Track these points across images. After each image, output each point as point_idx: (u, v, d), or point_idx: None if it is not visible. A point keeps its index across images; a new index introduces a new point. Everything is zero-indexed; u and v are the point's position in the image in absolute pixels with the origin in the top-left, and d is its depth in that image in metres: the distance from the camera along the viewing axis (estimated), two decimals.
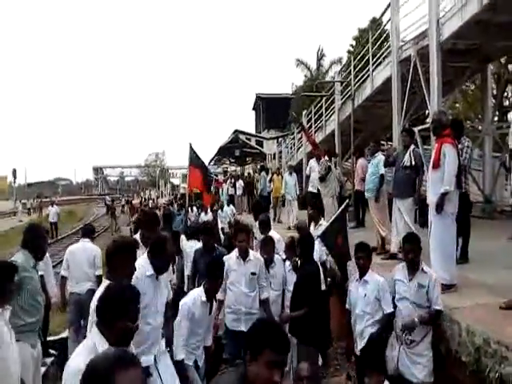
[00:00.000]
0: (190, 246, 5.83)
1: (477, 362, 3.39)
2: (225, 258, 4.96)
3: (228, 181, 18.41)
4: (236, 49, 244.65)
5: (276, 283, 5.09)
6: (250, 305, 4.69)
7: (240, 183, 17.15)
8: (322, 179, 8.43)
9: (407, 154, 5.97)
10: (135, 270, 3.15)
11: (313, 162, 9.93)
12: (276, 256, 5.24)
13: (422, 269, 3.84)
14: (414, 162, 5.91)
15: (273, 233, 7.20)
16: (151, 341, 3.43)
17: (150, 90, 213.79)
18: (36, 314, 3.86)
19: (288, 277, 5.11)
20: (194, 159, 8.17)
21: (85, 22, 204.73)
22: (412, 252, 3.83)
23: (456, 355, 3.63)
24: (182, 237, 6.28)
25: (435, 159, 4.67)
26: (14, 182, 45.95)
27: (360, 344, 4.11)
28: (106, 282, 2.87)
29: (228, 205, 13.39)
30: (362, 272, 4.25)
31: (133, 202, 31.28)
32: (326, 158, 8.84)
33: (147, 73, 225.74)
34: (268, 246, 5.12)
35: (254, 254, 4.91)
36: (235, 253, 4.80)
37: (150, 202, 32.62)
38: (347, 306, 4.40)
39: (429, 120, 5.16)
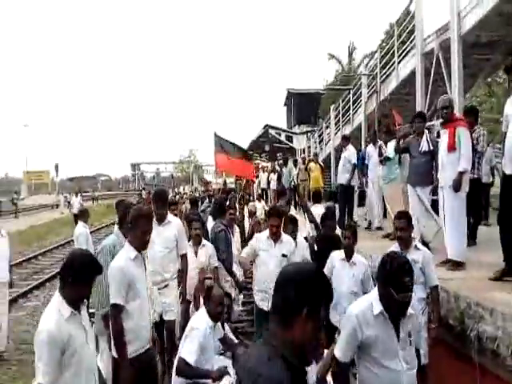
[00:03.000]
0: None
1: (461, 323, 3.71)
2: (256, 235, 5.23)
3: (261, 174, 17.95)
4: (268, 45, 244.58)
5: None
6: None
7: (274, 177, 16.59)
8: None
9: (423, 139, 5.85)
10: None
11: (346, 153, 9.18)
12: (299, 237, 5.34)
13: (416, 246, 3.90)
14: (431, 148, 5.81)
15: (317, 207, 7.42)
16: None
17: (184, 89, 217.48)
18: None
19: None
20: (223, 144, 8.33)
21: (124, 21, 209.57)
22: (403, 229, 3.88)
23: (445, 320, 3.93)
24: (209, 217, 6.76)
25: (450, 142, 4.85)
26: (57, 176, 48.32)
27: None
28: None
29: (259, 200, 12.75)
30: (349, 252, 4.50)
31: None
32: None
33: (182, 72, 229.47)
34: (288, 225, 5.24)
35: (287, 237, 4.97)
36: (266, 233, 4.90)
37: (184, 195, 33.58)
38: (327, 272, 4.50)
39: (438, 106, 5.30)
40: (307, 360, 1.50)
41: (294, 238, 5.14)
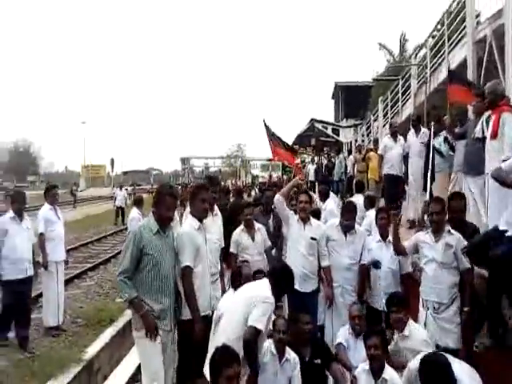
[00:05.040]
0: None
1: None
2: (290, 213, 5.14)
3: (310, 166, 17.75)
4: (316, 37, 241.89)
5: (352, 250, 4.94)
6: (308, 267, 4.79)
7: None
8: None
9: (479, 123, 5.20)
10: None
11: (387, 139, 8.78)
12: (357, 226, 5.14)
13: (449, 230, 3.93)
14: (485, 134, 4.97)
15: (358, 197, 7.41)
16: None
17: (233, 84, 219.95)
18: (157, 297, 3.45)
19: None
20: (273, 133, 8.35)
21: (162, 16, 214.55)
22: (437, 213, 3.94)
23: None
24: None
25: (494, 129, 4.57)
26: (112, 171, 50.57)
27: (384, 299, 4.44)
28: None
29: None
30: (384, 233, 4.73)
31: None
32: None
33: (230, 67, 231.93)
34: (348, 212, 4.99)
35: (316, 221, 5.07)
36: (296, 216, 4.92)
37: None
38: (364, 262, 4.85)
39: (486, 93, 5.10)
40: None
41: (353, 226, 5.01)
